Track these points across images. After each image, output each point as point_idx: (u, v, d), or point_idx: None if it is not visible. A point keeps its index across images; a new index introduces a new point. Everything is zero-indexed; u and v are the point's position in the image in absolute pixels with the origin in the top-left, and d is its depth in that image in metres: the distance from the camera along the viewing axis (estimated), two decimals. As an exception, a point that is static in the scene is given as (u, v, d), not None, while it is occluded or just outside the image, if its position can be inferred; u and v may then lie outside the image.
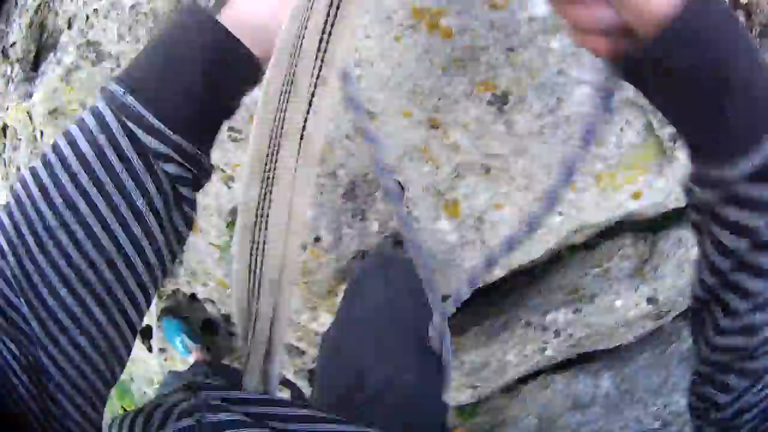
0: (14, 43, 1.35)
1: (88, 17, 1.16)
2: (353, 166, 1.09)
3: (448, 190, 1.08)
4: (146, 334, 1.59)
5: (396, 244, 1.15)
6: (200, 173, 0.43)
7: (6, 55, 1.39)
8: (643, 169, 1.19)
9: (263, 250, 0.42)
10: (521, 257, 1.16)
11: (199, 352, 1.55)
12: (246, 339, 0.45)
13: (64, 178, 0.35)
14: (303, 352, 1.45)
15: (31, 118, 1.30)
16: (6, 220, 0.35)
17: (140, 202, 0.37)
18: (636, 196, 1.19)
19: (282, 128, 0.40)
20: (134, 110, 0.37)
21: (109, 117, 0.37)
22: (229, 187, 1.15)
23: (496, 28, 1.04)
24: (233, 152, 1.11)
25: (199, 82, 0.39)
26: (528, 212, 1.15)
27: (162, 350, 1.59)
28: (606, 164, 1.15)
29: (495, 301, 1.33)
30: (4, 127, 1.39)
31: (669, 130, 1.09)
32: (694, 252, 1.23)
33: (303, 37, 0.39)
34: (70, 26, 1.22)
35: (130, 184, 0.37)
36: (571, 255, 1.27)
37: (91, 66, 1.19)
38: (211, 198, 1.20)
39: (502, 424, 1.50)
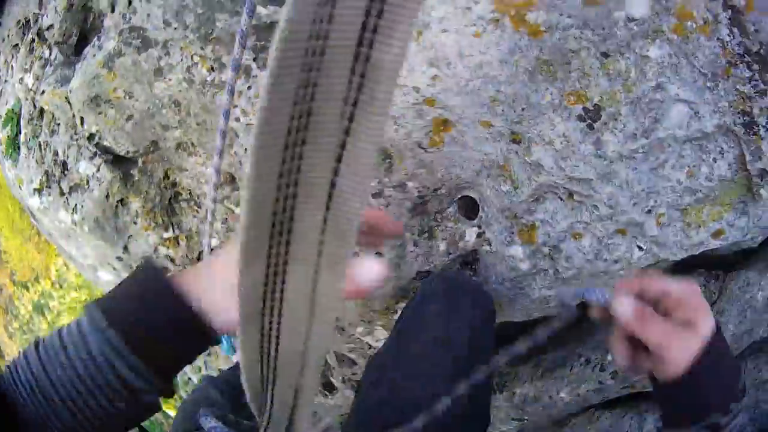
0: (51, 26, 1.23)
1: (130, 1, 1.03)
2: (424, 178, 0.95)
3: (525, 213, 0.94)
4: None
5: (464, 266, 1.01)
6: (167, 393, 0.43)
7: (42, 38, 1.27)
8: (729, 207, 1.04)
9: (277, 341, 0.34)
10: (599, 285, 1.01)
11: None
12: (261, 415, 0.39)
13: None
14: (354, 363, 1.32)
15: (70, 104, 1.17)
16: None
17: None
18: (717, 234, 1.05)
19: (295, 183, 0.27)
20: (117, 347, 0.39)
21: (95, 346, 0.39)
22: None
23: (591, 28, 0.89)
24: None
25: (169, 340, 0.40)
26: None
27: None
28: (695, 198, 1.00)
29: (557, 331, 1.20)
30: (41, 111, 1.28)
31: (759, 165, 0.94)
32: (759, 296, 1.13)
33: (327, 37, 0.24)
34: (113, 10, 1.09)
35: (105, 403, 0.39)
36: None
37: (136, 53, 1.06)
38: None
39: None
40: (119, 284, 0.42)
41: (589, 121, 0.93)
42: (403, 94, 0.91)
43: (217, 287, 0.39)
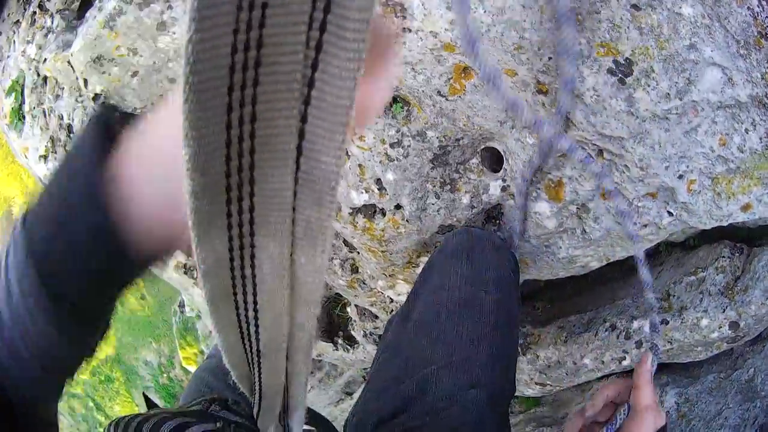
0: (51, -5, 1.14)
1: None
2: (446, 128, 0.84)
3: (552, 168, 0.82)
4: None
5: (487, 220, 0.90)
6: None
7: (44, 9, 1.18)
8: (758, 181, 0.94)
9: (256, 321, 0.27)
10: (623, 253, 0.90)
11: None
12: (252, 395, 0.34)
13: None
14: (375, 317, 1.22)
15: (72, 67, 1.07)
16: None
17: None
18: (746, 208, 0.95)
19: (251, 134, 0.20)
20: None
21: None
22: None
23: None
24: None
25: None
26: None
27: None
28: (726, 167, 0.90)
29: (585, 290, 1.13)
30: (45, 79, 1.18)
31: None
32: None
33: None
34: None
35: None
36: (668, 253, 1.05)
37: (138, 10, 0.96)
38: None
39: (563, 418, 1.28)
40: (58, 165, 0.29)
41: (620, 75, 0.82)
42: (420, 39, 0.80)
43: (150, 180, 0.26)
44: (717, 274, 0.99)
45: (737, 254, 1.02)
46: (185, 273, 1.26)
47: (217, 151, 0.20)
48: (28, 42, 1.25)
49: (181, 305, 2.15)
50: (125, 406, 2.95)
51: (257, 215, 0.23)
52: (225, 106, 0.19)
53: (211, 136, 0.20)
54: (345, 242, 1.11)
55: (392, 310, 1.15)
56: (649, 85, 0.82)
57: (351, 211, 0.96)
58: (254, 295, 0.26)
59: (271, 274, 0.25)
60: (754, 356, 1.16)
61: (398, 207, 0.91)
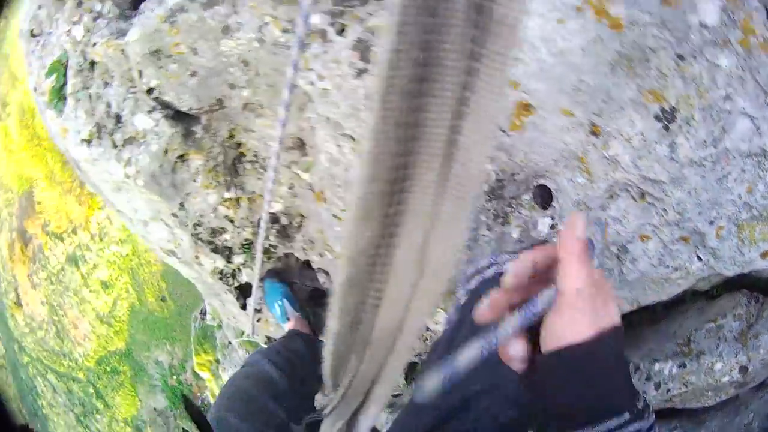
0: (102, -21, 1.13)
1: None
2: (504, 162, 0.88)
3: (598, 208, 0.87)
4: (246, 291, 1.36)
5: None
6: None
7: None
8: None
9: (376, 308, 0.29)
10: (654, 297, 0.96)
11: (297, 321, 1.32)
12: (335, 389, 0.35)
13: None
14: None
15: (126, 57, 1.07)
16: None
17: None
18: (765, 255, 1.01)
19: (414, 137, 0.24)
20: None
21: None
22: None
23: (668, 29, 0.84)
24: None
25: None
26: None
27: (257, 311, 1.37)
28: (750, 214, 0.96)
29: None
30: (92, 63, 1.17)
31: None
32: None
33: None
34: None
35: None
36: (692, 301, 1.10)
37: (202, 9, 0.97)
38: (341, 168, 0.98)
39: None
40: None
41: (665, 122, 0.87)
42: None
43: None
44: (734, 321, 1.04)
45: (753, 302, 1.08)
46: (221, 279, 1.28)
47: (391, 146, 0.24)
48: (74, 23, 1.24)
49: (203, 312, 2.16)
50: (127, 399, 2.95)
51: (407, 207, 0.26)
52: (401, 110, 0.23)
53: (387, 134, 0.24)
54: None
55: (426, 339, 1.16)
56: (689, 133, 0.88)
57: None
58: (384, 282, 0.28)
59: (406, 261, 0.28)
60: (755, 402, 1.17)
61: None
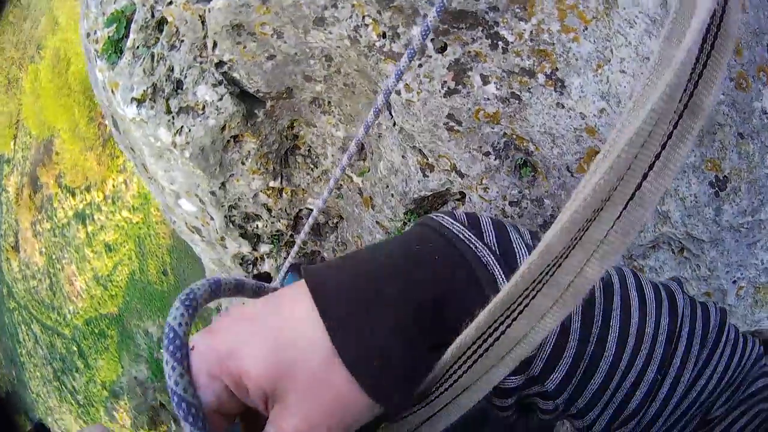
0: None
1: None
2: (563, 200, 0.91)
3: (639, 257, 0.93)
4: (263, 281, 1.31)
5: None
6: None
7: None
8: None
9: (514, 319, 0.30)
10: None
11: (268, 286, 1.29)
12: (428, 394, 0.33)
13: None
14: None
15: (203, 24, 1.05)
16: None
17: None
18: None
19: (617, 187, 0.28)
20: None
21: None
22: (425, 175, 0.94)
23: (736, 109, 0.92)
24: (444, 142, 0.91)
25: None
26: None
27: None
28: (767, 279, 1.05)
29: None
30: (161, 21, 1.13)
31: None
32: None
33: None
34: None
35: None
36: None
37: (297, -6, 0.96)
38: (399, 179, 0.99)
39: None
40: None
41: (717, 189, 0.94)
42: (569, 117, 0.88)
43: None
44: None
45: None
46: (241, 264, 1.25)
47: (618, 176, 0.27)
48: (146, -25, 1.19)
49: None
50: (110, 363, 2.85)
51: (586, 235, 0.28)
52: (641, 144, 0.27)
53: (623, 164, 0.27)
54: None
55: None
56: (734, 201, 0.95)
57: None
58: (533, 298, 0.30)
59: (560, 280, 0.29)
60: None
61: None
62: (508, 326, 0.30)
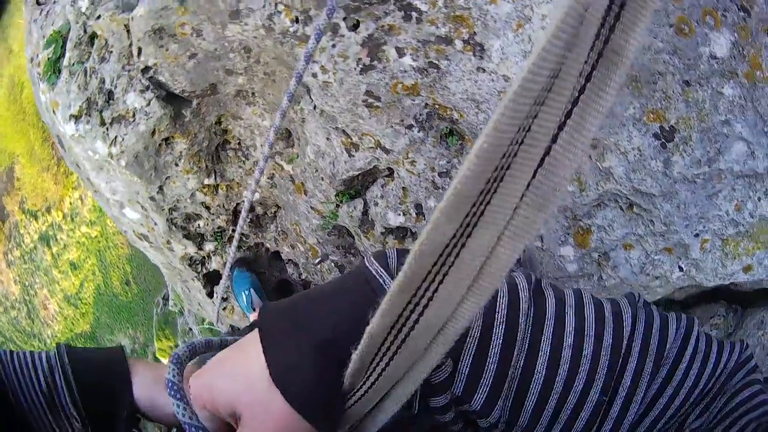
0: (117, -49, 1.10)
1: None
2: None
3: (585, 216, 0.87)
4: (213, 279, 1.33)
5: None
6: None
7: None
8: (762, 245, 1.04)
9: (423, 310, 0.29)
10: None
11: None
12: (352, 392, 0.34)
13: None
14: None
15: (129, 33, 1.04)
16: None
17: None
18: (747, 269, 1.04)
19: (520, 142, 0.24)
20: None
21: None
22: (351, 155, 0.91)
23: (678, 56, 0.86)
24: (366, 119, 0.87)
25: None
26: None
27: (224, 299, 1.33)
28: (736, 230, 0.98)
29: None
30: (93, 36, 1.13)
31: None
32: None
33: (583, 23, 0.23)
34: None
35: None
36: (666, 310, 1.10)
37: (213, -9, 0.94)
38: (327, 162, 0.95)
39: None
40: (91, 348, 0.51)
41: (663, 140, 0.88)
42: (492, 80, 0.83)
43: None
44: (711, 330, 1.07)
45: (732, 314, 1.10)
46: (190, 265, 1.24)
47: (503, 146, 0.23)
48: (79, -6, 1.19)
49: (165, 298, 2.11)
50: None
51: (488, 210, 0.25)
52: (523, 116, 0.23)
53: (503, 138, 0.23)
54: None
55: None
56: (685, 152, 0.89)
57: (384, 230, 0.98)
58: (440, 283, 0.27)
59: (470, 264, 0.27)
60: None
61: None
62: (420, 314, 0.29)
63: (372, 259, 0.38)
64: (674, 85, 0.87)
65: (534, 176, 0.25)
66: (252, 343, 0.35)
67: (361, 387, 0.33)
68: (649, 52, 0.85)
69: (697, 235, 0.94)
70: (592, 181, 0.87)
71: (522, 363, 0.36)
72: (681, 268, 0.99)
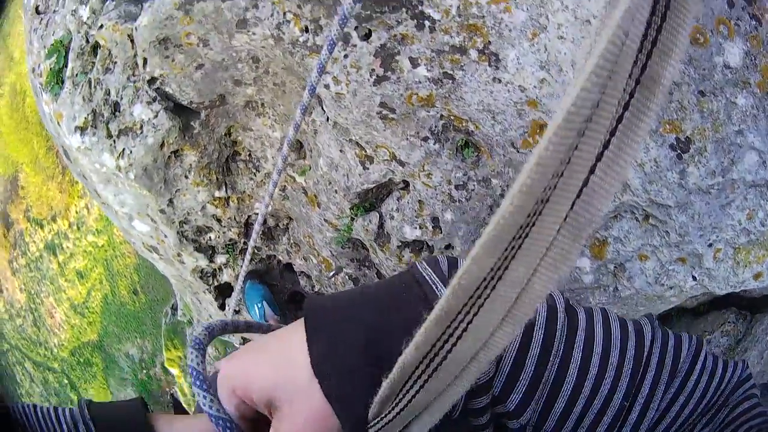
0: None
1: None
2: (511, 178, 0.86)
3: (601, 228, 0.86)
4: (225, 291, 1.32)
5: None
6: None
7: None
8: None
9: (455, 342, 0.28)
10: (643, 311, 0.96)
11: (276, 324, 1.26)
12: (381, 414, 0.33)
13: None
14: None
15: (132, 42, 1.01)
16: None
17: None
18: (757, 276, 1.04)
19: (560, 174, 0.24)
20: None
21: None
22: (365, 168, 0.89)
23: (694, 66, 0.85)
24: (380, 132, 0.86)
25: None
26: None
27: (236, 312, 1.31)
28: (748, 239, 0.98)
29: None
30: (95, 46, 1.10)
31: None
32: None
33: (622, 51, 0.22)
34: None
35: None
36: (678, 318, 1.10)
37: (220, 0, 0.92)
38: (341, 174, 0.94)
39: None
40: (112, 402, 0.47)
41: (679, 151, 0.87)
42: (507, 91, 0.82)
43: None
44: (722, 337, 1.06)
45: (741, 320, 1.10)
46: (201, 278, 1.22)
47: (546, 179, 0.23)
48: (82, 2, 1.16)
49: (174, 308, 2.09)
50: (100, 390, 2.84)
51: (526, 242, 0.24)
52: (570, 147, 0.22)
53: (551, 168, 0.22)
54: (378, 275, 1.10)
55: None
56: (701, 162, 0.88)
57: (400, 244, 0.96)
58: (475, 315, 0.27)
59: (504, 297, 0.26)
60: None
61: (448, 247, 0.90)
62: (453, 344, 0.28)
63: (425, 264, 0.39)
64: (689, 95, 0.86)
65: (572, 208, 0.24)
66: (296, 332, 0.35)
67: (388, 413, 0.32)
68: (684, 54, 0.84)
69: (710, 245, 0.94)
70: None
71: (556, 368, 0.37)
72: (694, 278, 0.98)
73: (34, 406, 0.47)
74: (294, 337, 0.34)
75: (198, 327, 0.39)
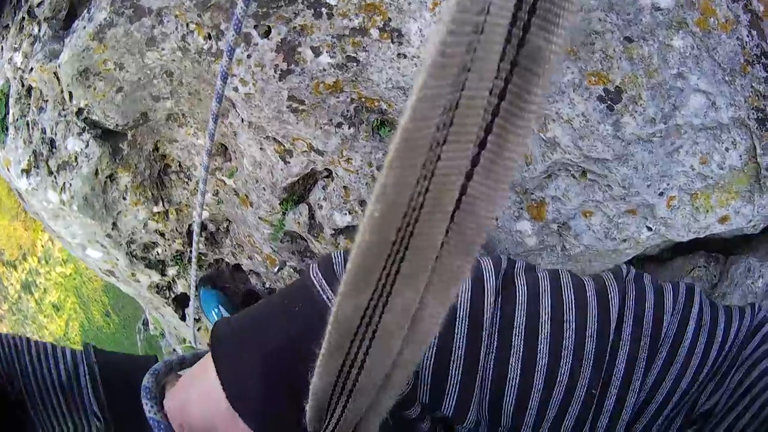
0: (41, 2, 1.07)
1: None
2: None
3: (536, 189, 0.80)
4: (182, 301, 1.30)
5: None
6: None
7: (32, 15, 1.10)
8: (736, 195, 0.95)
9: (360, 367, 0.26)
10: (599, 267, 0.89)
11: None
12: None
13: None
14: None
15: (58, 79, 1.00)
16: None
17: None
18: (724, 220, 0.95)
19: (426, 190, 0.20)
20: None
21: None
22: (286, 162, 0.86)
23: (616, 12, 0.78)
24: (294, 125, 0.82)
25: None
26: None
27: (196, 320, 1.30)
28: (705, 184, 0.90)
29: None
30: (29, 89, 1.10)
31: (768, 159, 0.84)
32: (759, 283, 1.04)
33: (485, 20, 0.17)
34: (105, -17, 0.93)
35: None
36: (641, 266, 1.03)
37: (128, 23, 0.90)
38: (265, 171, 0.91)
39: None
40: (123, 353, 0.47)
41: (609, 102, 0.80)
42: (414, 65, 0.77)
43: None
44: (693, 283, 0.99)
45: (713, 263, 1.02)
46: (158, 292, 1.20)
47: (400, 209, 0.19)
48: (16, 49, 1.16)
49: (145, 323, 2.09)
50: None
51: (404, 267, 0.21)
52: (421, 163, 0.18)
53: (402, 194, 0.19)
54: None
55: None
56: (636, 111, 0.81)
57: (333, 232, 0.92)
58: (371, 340, 0.25)
59: (397, 319, 0.24)
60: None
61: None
62: (358, 373, 0.27)
63: (317, 266, 0.36)
64: (614, 43, 0.79)
65: (452, 220, 0.20)
66: (210, 364, 0.35)
67: (326, 428, 0.31)
68: (580, 13, 0.78)
69: (661, 194, 0.86)
70: (537, 153, 0.80)
71: (492, 363, 0.32)
72: (649, 228, 0.90)
73: (28, 340, 0.43)
74: (208, 367, 0.35)
75: (146, 376, 0.41)
